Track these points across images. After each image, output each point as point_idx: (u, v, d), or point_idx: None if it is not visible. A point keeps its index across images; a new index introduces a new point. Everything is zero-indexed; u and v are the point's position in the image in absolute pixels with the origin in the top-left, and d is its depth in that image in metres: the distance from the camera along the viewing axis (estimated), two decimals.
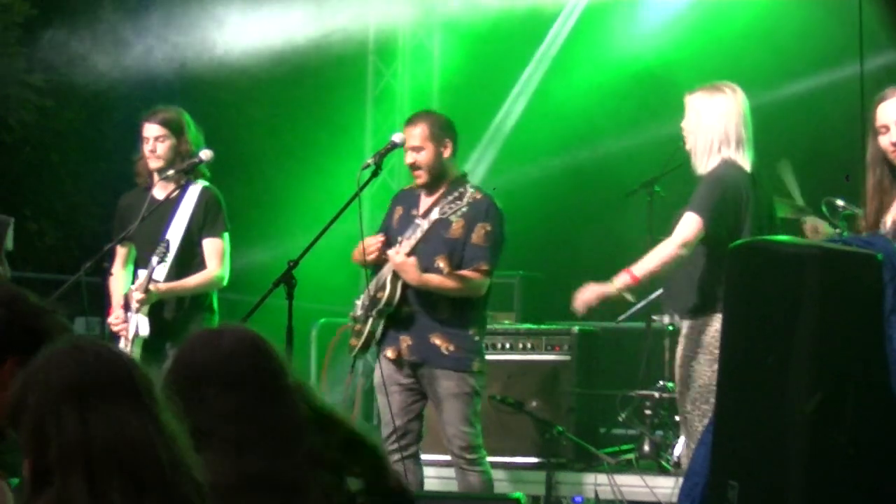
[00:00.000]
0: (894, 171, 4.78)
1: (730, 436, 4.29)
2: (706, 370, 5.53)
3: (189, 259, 6.38)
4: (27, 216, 11.53)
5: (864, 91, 5.32)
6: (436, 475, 7.18)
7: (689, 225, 5.63)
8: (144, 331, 6.25)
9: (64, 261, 10.82)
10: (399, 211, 6.37)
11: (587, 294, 5.79)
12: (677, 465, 6.80)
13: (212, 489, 2.63)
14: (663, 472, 6.93)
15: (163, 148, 6.41)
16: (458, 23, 10.26)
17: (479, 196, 6.15)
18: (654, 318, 7.41)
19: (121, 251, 6.53)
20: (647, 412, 7.18)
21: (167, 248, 6.25)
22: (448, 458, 6.96)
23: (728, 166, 5.64)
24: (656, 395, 7.09)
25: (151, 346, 6.26)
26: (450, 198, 6.04)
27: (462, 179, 6.26)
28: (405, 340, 6.16)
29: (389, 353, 6.19)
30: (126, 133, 11.36)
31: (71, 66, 11.62)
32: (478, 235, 6.16)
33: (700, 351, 5.57)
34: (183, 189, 6.41)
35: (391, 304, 6.12)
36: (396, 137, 6.13)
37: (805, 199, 7.28)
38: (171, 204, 6.40)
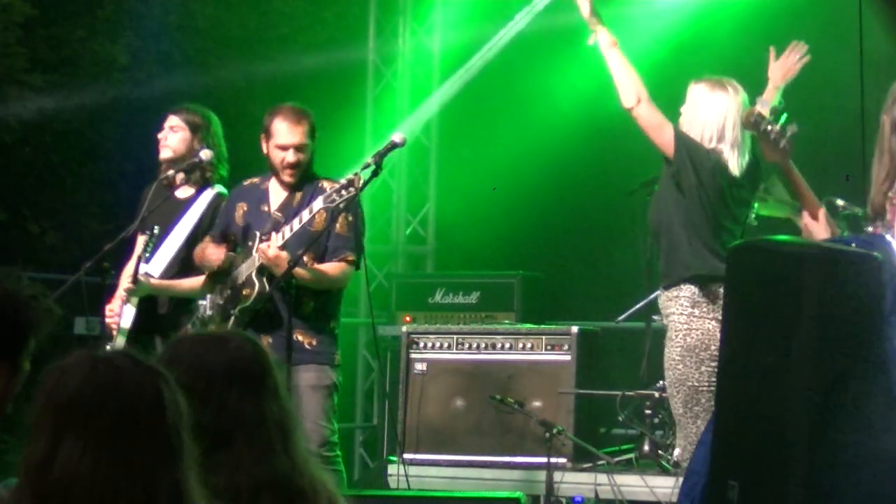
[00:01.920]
0: None
1: (730, 436, 4.29)
2: (693, 372, 5.52)
3: (189, 260, 6.38)
4: (27, 216, 11.53)
5: (864, 91, 5.32)
6: (436, 475, 7.18)
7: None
8: (126, 323, 6.23)
9: (64, 261, 10.81)
10: (242, 207, 6.20)
11: None
12: (677, 465, 6.80)
13: (235, 490, 2.68)
14: (663, 472, 6.92)
15: (175, 139, 6.43)
16: (459, 22, 10.26)
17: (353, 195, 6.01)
18: (654, 318, 7.40)
19: (140, 242, 6.53)
20: (647, 412, 7.18)
21: (153, 234, 6.22)
22: (448, 457, 6.99)
23: (717, 154, 5.64)
24: (656, 395, 7.09)
25: (140, 339, 6.24)
26: (335, 188, 5.83)
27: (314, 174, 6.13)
28: (266, 339, 5.95)
29: None
30: (126, 133, 11.39)
31: (71, 66, 11.63)
32: (341, 226, 6.05)
33: (686, 354, 5.55)
34: (198, 191, 6.44)
35: (260, 300, 5.95)
36: (396, 137, 6.10)
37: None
38: (184, 204, 6.42)
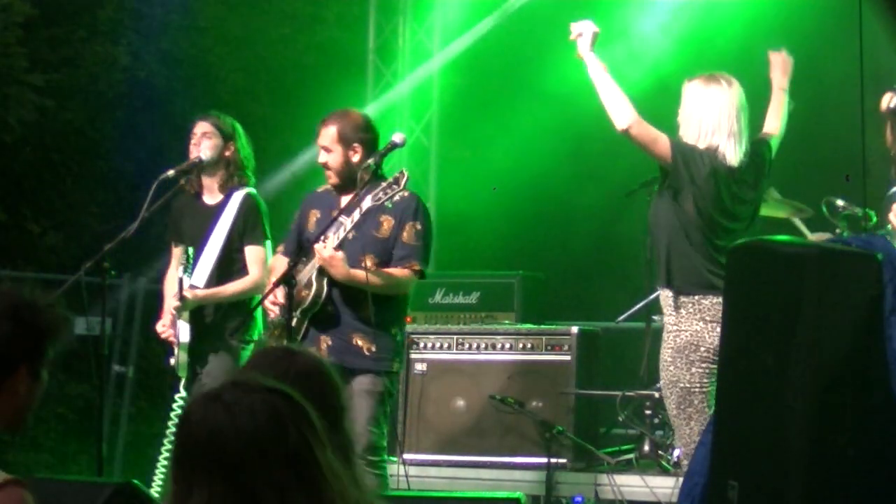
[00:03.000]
0: None
1: (730, 436, 4.29)
2: (684, 374, 5.51)
3: (229, 265, 6.40)
4: (27, 216, 11.54)
5: (864, 91, 5.32)
6: (437, 475, 7.18)
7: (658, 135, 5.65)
8: (185, 337, 6.28)
9: (64, 261, 10.82)
10: (315, 214, 6.21)
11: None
12: (677, 465, 6.79)
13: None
14: (663, 472, 6.92)
15: (208, 144, 6.43)
16: (459, 22, 10.26)
17: (406, 194, 6.00)
18: (654, 318, 7.40)
19: (176, 252, 6.57)
20: (647, 412, 7.18)
21: (188, 258, 6.28)
22: (448, 458, 6.99)
23: (712, 153, 5.64)
24: (656, 395, 7.08)
25: (195, 351, 6.29)
26: (381, 187, 5.83)
27: (379, 178, 6.05)
28: (325, 340, 5.97)
29: None
30: (126, 133, 11.41)
31: (72, 66, 11.64)
32: (408, 234, 6.02)
33: (677, 355, 5.54)
34: (227, 195, 6.45)
35: (318, 301, 5.95)
36: (396, 137, 6.08)
37: (803, 201, 7.29)
38: (216, 210, 6.43)
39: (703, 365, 5.46)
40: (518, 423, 7.21)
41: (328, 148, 6.07)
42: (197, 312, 6.34)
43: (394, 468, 6.62)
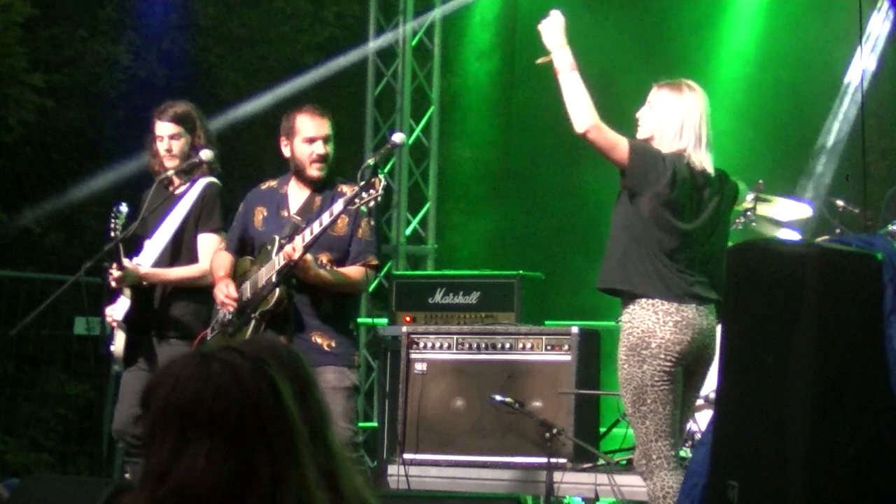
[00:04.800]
0: None
1: (730, 436, 4.29)
2: (637, 371, 5.49)
3: (180, 250, 6.35)
4: (27, 216, 11.53)
5: (864, 90, 5.32)
6: (437, 475, 7.18)
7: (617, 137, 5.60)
8: (119, 314, 6.23)
9: (64, 261, 10.82)
10: (262, 212, 6.16)
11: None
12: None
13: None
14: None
15: (178, 146, 6.39)
16: (458, 22, 10.26)
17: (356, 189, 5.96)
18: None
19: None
20: None
21: (118, 213, 6.20)
22: (448, 458, 6.98)
23: (676, 156, 5.62)
24: None
25: (136, 332, 6.23)
26: (354, 191, 5.77)
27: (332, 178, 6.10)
28: (283, 340, 5.90)
29: None
30: (126, 133, 11.40)
31: (72, 66, 11.63)
32: (363, 230, 6.03)
33: (630, 353, 5.53)
34: (191, 183, 6.40)
35: (281, 304, 5.92)
36: (397, 137, 6.08)
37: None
38: (177, 197, 6.39)
39: (655, 362, 5.43)
40: (518, 423, 7.21)
41: (329, 137, 6.07)
42: (143, 297, 6.27)
43: (394, 468, 6.63)
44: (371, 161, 5.96)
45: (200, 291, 6.34)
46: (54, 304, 6.52)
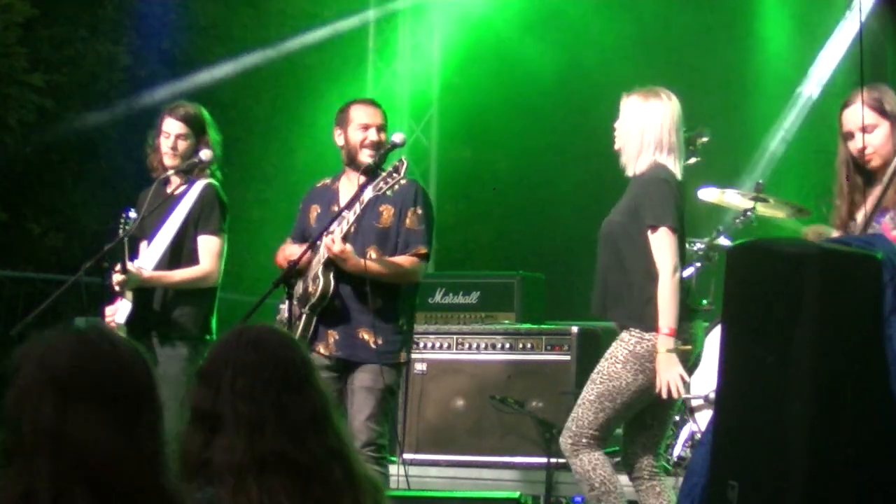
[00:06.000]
0: (863, 171, 4.99)
1: (730, 436, 4.29)
2: (627, 376, 5.49)
3: (180, 252, 6.35)
4: (27, 216, 11.53)
5: (863, 92, 5.31)
6: (437, 475, 7.19)
7: (668, 244, 5.56)
8: (121, 318, 6.22)
9: (64, 261, 10.82)
10: (315, 209, 6.22)
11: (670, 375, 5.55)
12: (678, 464, 6.80)
13: (226, 468, 2.77)
14: (663, 471, 6.92)
15: (183, 146, 6.38)
16: (458, 22, 10.27)
17: (405, 182, 6.00)
18: None
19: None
20: None
21: (127, 220, 6.20)
22: (448, 458, 6.99)
23: (661, 168, 5.63)
24: None
25: (137, 334, 6.22)
26: (380, 177, 5.81)
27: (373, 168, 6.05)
28: (332, 335, 5.97)
29: (321, 348, 5.97)
30: (126, 133, 11.40)
31: (73, 66, 11.63)
32: (411, 220, 6.05)
33: (632, 359, 5.52)
34: (189, 184, 6.40)
35: (325, 296, 5.93)
36: (397, 137, 6.08)
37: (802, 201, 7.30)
38: (175, 198, 6.39)
39: (650, 378, 5.44)
40: (518, 423, 7.22)
41: (383, 126, 6.15)
42: (144, 298, 6.26)
43: (394, 468, 6.63)
44: (371, 161, 5.97)
45: (201, 293, 6.35)
46: (54, 305, 6.51)
